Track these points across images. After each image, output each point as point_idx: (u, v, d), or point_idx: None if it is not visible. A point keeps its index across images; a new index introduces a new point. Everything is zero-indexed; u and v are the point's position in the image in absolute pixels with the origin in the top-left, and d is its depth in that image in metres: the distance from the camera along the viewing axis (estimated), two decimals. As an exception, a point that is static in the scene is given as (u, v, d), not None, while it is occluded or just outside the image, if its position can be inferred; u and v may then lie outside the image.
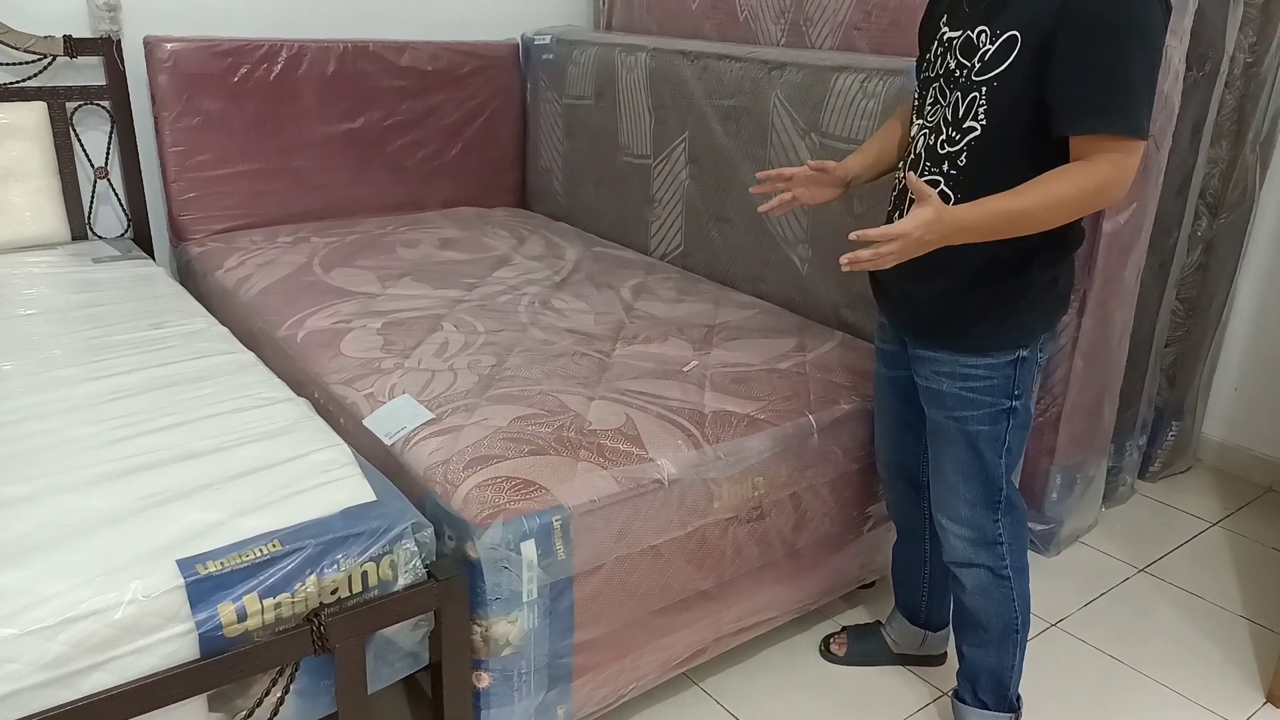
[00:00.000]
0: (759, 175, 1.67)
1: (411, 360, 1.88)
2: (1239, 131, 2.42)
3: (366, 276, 2.36)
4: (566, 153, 3.09)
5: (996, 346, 1.46)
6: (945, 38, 1.44)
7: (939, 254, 1.37)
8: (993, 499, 1.55)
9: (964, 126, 1.39)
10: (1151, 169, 2.06)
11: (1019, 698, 1.69)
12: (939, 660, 1.92)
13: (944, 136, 1.42)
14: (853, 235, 1.33)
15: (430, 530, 1.36)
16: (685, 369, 1.90)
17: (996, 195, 1.31)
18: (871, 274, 1.63)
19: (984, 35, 1.36)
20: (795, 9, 2.54)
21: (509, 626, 1.45)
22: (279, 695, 1.26)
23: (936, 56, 1.46)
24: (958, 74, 1.40)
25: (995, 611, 1.62)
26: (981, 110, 1.36)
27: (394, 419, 1.67)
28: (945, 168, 1.42)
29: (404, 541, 1.32)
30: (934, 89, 1.45)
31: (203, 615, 1.18)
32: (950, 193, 1.42)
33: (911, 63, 2.01)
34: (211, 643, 1.18)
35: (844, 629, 1.98)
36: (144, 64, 2.56)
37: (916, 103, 1.52)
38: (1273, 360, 2.67)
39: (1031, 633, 2.03)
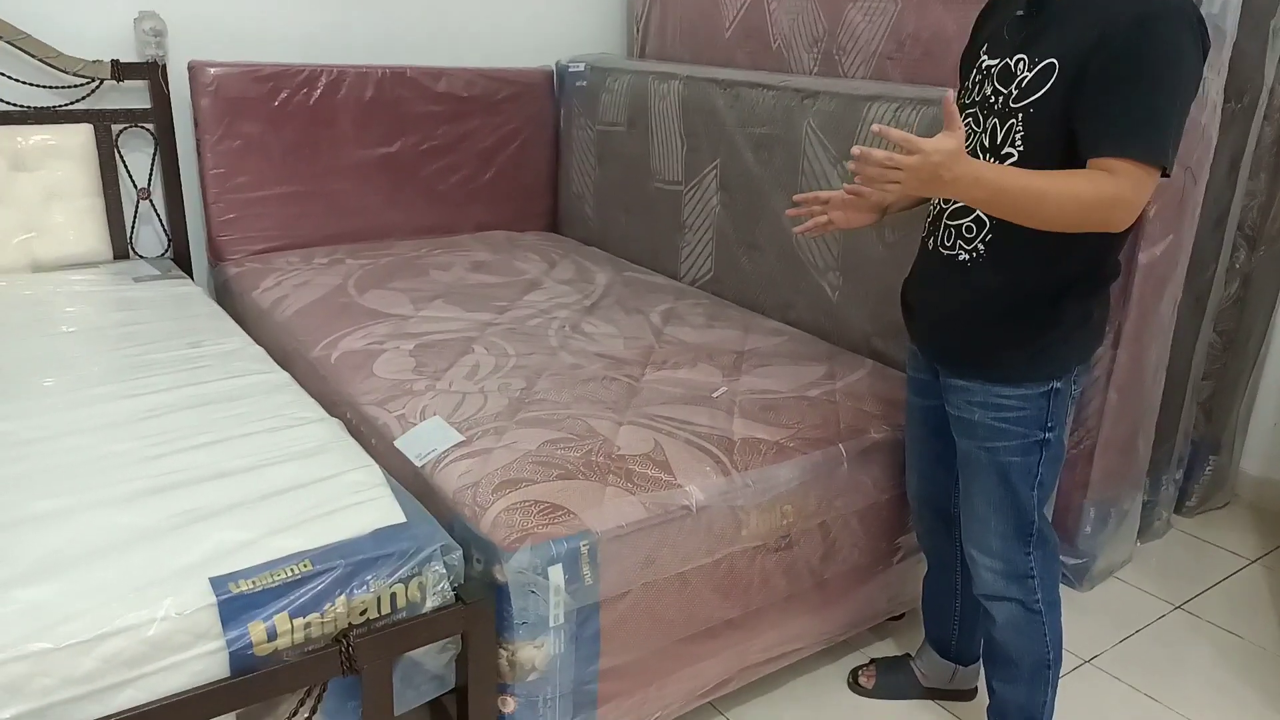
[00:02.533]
0: (795, 198, 1.68)
1: (443, 382, 1.90)
2: (1278, 165, 2.39)
3: (400, 299, 2.39)
4: (598, 179, 3.11)
5: (1030, 377, 1.45)
6: (984, 65, 1.45)
7: (972, 282, 1.36)
8: (1024, 532, 1.53)
9: (1001, 153, 1.39)
10: (1188, 201, 2.04)
11: None
12: (969, 695, 1.89)
13: (985, 102, 1.43)
14: (875, 129, 1.30)
15: (459, 553, 1.37)
16: (714, 395, 1.90)
17: (1018, 169, 1.31)
18: (904, 300, 1.63)
19: (1022, 63, 1.36)
20: (828, 38, 2.55)
21: (535, 651, 1.44)
22: (306, 715, 1.26)
23: (975, 84, 1.47)
24: (994, 101, 1.40)
25: (1026, 647, 1.60)
26: (1018, 136, 1.36)
27: (425, 441, 1.68)
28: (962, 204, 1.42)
29: (433, 564, 1.33)
30: (971, 116, 1.45)
31: (234, 633, 1.19)
32: (986, 219, 1.42)
33: (944, 91, 2.02)
34: (241, 661, 1.19)
35: (872, 661, 1.96)
36: (188, 88, 2.62)
37: None
38: (1313, 396, 2.62)
39: (1064, 669, 2.00)
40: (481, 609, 1.35)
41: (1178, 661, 2.06)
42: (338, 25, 2.86)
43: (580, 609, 1.47)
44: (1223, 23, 1.92)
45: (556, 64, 3.20)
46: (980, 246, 1.44)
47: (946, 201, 1.50)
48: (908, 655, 1.94)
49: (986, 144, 1.41)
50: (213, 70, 2.60)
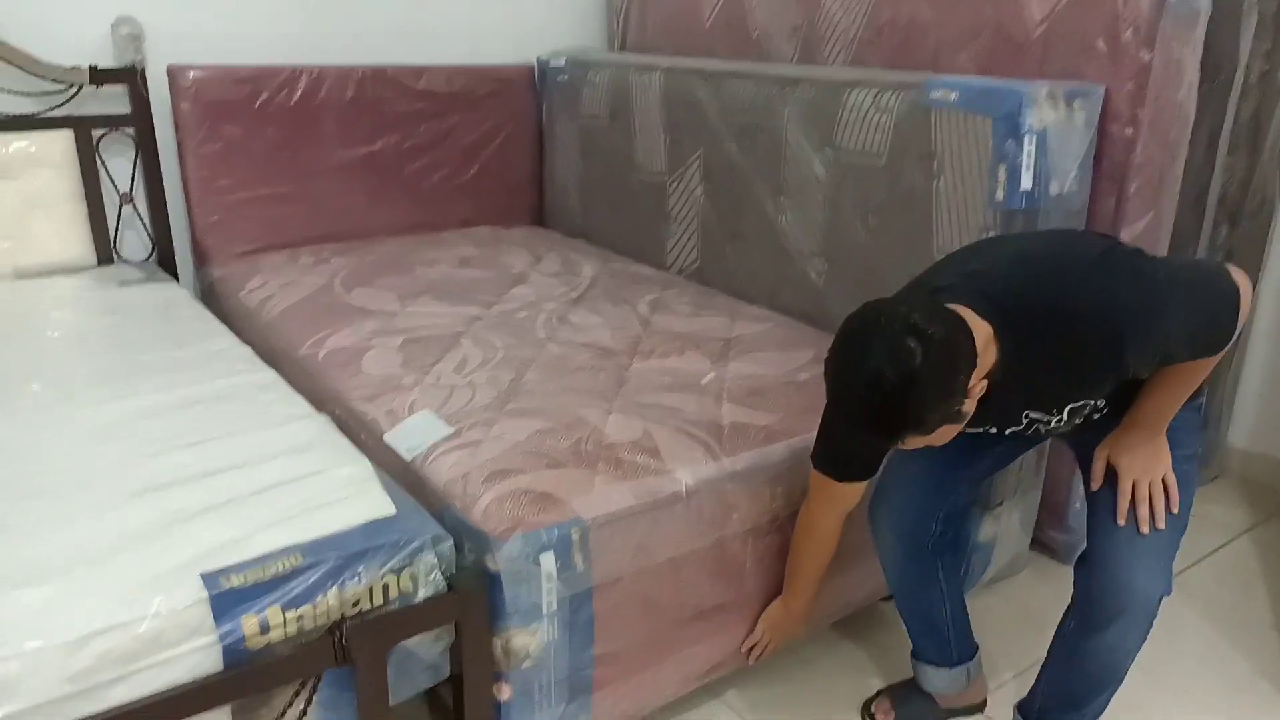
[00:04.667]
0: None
1: (431, 376, 1.90)
2: (1256, 140, 2.41)
3: (386, 295, 2.39)
4: (582, 172, 3.11)
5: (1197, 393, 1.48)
6: (969, 433, 1.38)
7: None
8: (1176, 546, 1.46)
9: (1084, 415, 1.43)
10: (1167, 178, 2.06)
11: None
12: (981, 707, 1.83)
13: (1065, 421, 1.43)
14: (1121, 522, 1.44)
15: (450, 543, 1.37)
16: (702, 382, 1.91)
17: (1155, 397, 1.41)
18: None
19: (1037, 413, 1.40)
20: (807, 27, 2.56)
21: (529, 638, 1.45)
22: (302, 707, 1.27)
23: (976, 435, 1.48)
24: (1040, 432, 1.46)
25: (1128, 658, 1.52)
26: (1101, 402, 1.41)
27: (414, 434, 1.68)
28: (1091, 417, 1.45)
29: (424, 554, 1.33)
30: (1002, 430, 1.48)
31: (226, 628, 1.19)
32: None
33: (923, 76, 2.03)
34: (234, 655, 1.20)
35: (881, 693, 1.85)
36: (168, 92, 2.61)
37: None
38: (1297, 369, 2.65)
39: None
40: (474, 597, 1.36)
41: (1169, 633, 2.07)
42: (317, 25, 2.85)
43: (573, 596, 1.48)
44: (1197, 2, 1.93)
45: (537, 59, 3.20)
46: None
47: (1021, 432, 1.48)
48: (911, 681, 1.84)
49: (1057, 423, 1.43)
50: (192, 73, 2.59)
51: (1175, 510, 1.43)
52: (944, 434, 1.25)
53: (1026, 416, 1.41)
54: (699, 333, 2.20)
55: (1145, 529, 1.42)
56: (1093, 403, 1.40)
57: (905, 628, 1.79)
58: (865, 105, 2.12)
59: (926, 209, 2.02)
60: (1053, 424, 1.42)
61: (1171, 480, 1.42)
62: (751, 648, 1.76)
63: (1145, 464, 1.43)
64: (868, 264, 2.19)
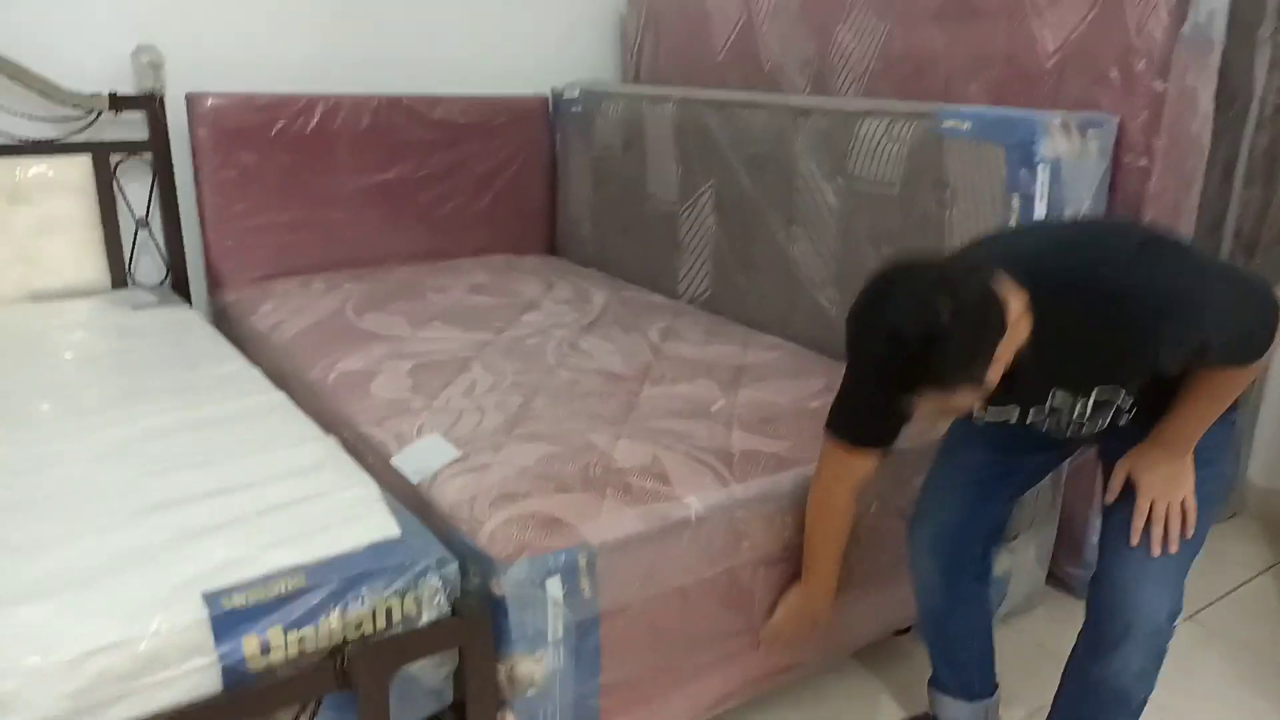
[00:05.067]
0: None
1: (439, 400, 1.89)
2: (1273, 172, 2.39)
3: (397, 321, 2.39)
4: (595, 202, 3.12)
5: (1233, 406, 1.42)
6: (993, 411, 1.41)
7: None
8: (1187, 567, 1.42)
9: (1112, 412, 1.39)
10: (1183, 209, 2.05)
11: None
12: None
13: (1100, 420, 1.40)
14: (1134, 541, 1.40)
15: (455, 566, 1.35)
16: (713, 409, 1.89)
17: (1181, 415, 1.38)
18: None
19: (1062, 396, 1.36)
20: (819, 59, 2.57)
21: (534, 665, 1.42)
22: (301, 732, 1.24)
23: (997, 419, 1.45)
24: (1063, 420, 1.41)
25: (1145, 691, 1.48)
26: (1128, 401, 1.37)
27: (421, 457, 1.67)
28: (1116, 423, 1.41)
29: (428, 578, 1.32)
30: (1030, 419, 1.44)
31: (226, 648, 1.17)
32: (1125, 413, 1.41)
33: (936, 106, 2.04)
34: (234, 676, 1.18)
35: None
36: (185, 118, 2.64)
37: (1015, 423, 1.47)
38: (1316, 404, 2.61)
39: (1073, 682, 1.97)
40: (478, 622, 1.34)
41: (1188, 673, 2.02)
42: (334, 54, 2.89)
43: (579, 622, 1.45)
44: (1210, 32, 1.94)
45: (551, 90, 3.23)
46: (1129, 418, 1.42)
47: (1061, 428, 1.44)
48: (928, 714, 1.81)
49: (1079, 416, 1.39)
50: (210, 101, 2.62)
51: (1190, 536, 1.39)
52: (962, 400, 1.19)
53: (1053, 395, 1.35)
54: (710, 360, 2.19)
55: (1157, 550, 1.38)
56: (1118, 400, 1.35)
57: (930, 655, 1.75)
58: (878, 135, 2.12)
59: (940, 237, 2.01)
60: (1077, 411, 1.36)
61: (1191, 504, 1.39)
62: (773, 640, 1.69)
63: (1165, 484, 1.39)
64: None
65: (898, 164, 2.08)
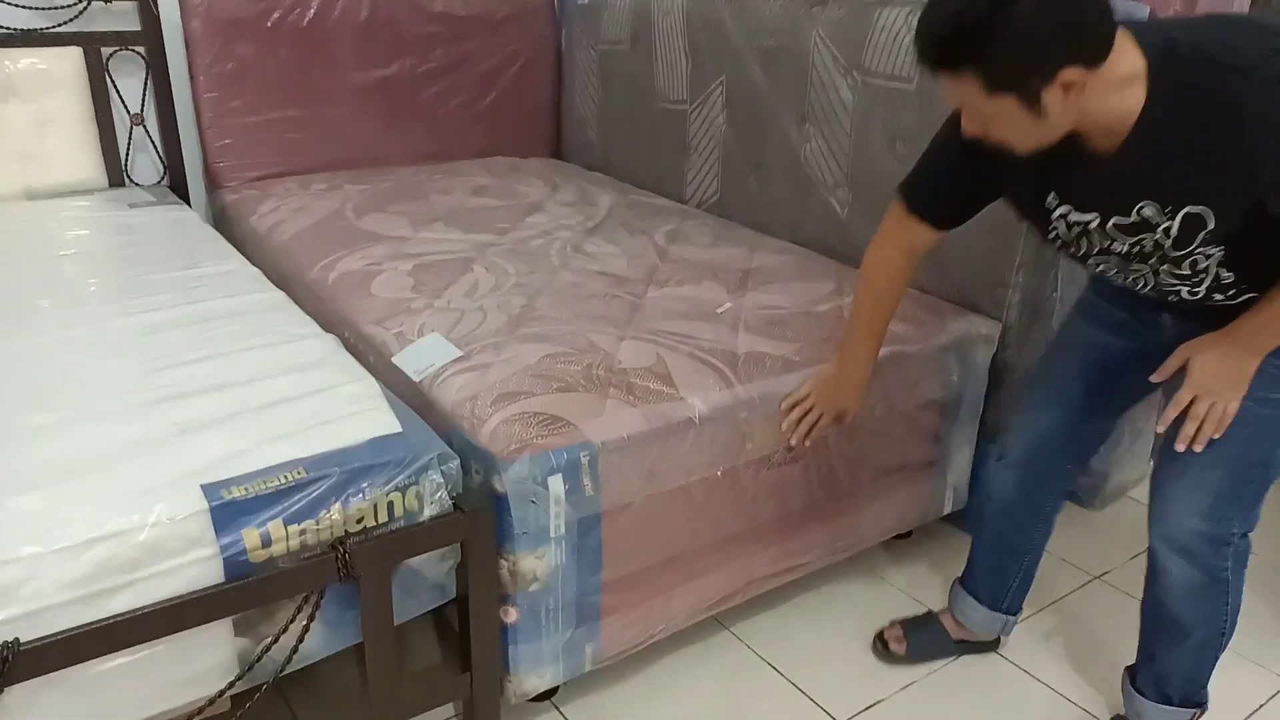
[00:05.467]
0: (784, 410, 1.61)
1: (441, 301, 1.86)
2: None
3: (399, 221, 2.34)
4: (602, 101, 3.03)
5: None
6: (1073, 220, 1.26)
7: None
8: (1253, 496, 1.34)
9: (1196, 277, 1.24)
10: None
11: (1207, 692, 1.53)
12: (994, 645, 1.79)
13: (1188, 289, 1.27)
14: (1160, 430, 1.34)
15: (456, 462, 1.35)
16: (719, 310, 1.86)
17: (1265, 305, 1.22)
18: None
19: (1150, 209, 1.18)
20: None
21: (536, 561, 1.43)
22: (304, 623, 1.25)
23: (1077, 238, 1.29)
24: (1146, 251, 1.23)
25: (1204, 616, 1.42)
26: (1214, 265, 1.21)
27: (422, 356, 1.65)
28: (1220, 296, 1.27)
29: (430, 473, 1.31)
30: (1112, 265, 1.30)
31: (227, 540, 1.17)
32: (1232, 285, 1.25)
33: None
34: (236, 568, 1.18)
35: (895, 623, 1.80)
36: (178, 9, 2.55)
37: (1096, 271, 1.36)
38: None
39: (1074, 584, 1.99)
40: (480, 517, 1.33)
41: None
42: (330, -58, 2.77)
43: (581, 520, 1.45)
44: None
45: (558, -18, 3.10)
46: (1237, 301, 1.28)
47: (1162, 295, 1.31)
48: (931, 612, 1.82)
49: (1179, 278, 1.25)
50: (203, -11, 2.52)
51: (1218, 434, 1.29)
52: (1004, 116, 1.09)
53: (1140, 212, 1.19)
54: (717, 263, 2.15)
55: (1181, 446, 1.30)
56: (1210, 228, 1.16)
57: (971, 556, 1.73)
58: (897, 25, 2.03)
59: (957, 135, 1.94)
60: (1159, 234, 1.19)
61: (1233, 410, 1.27)
62: (793, 407, 1.60)
63: (1216, 379, 1.27)
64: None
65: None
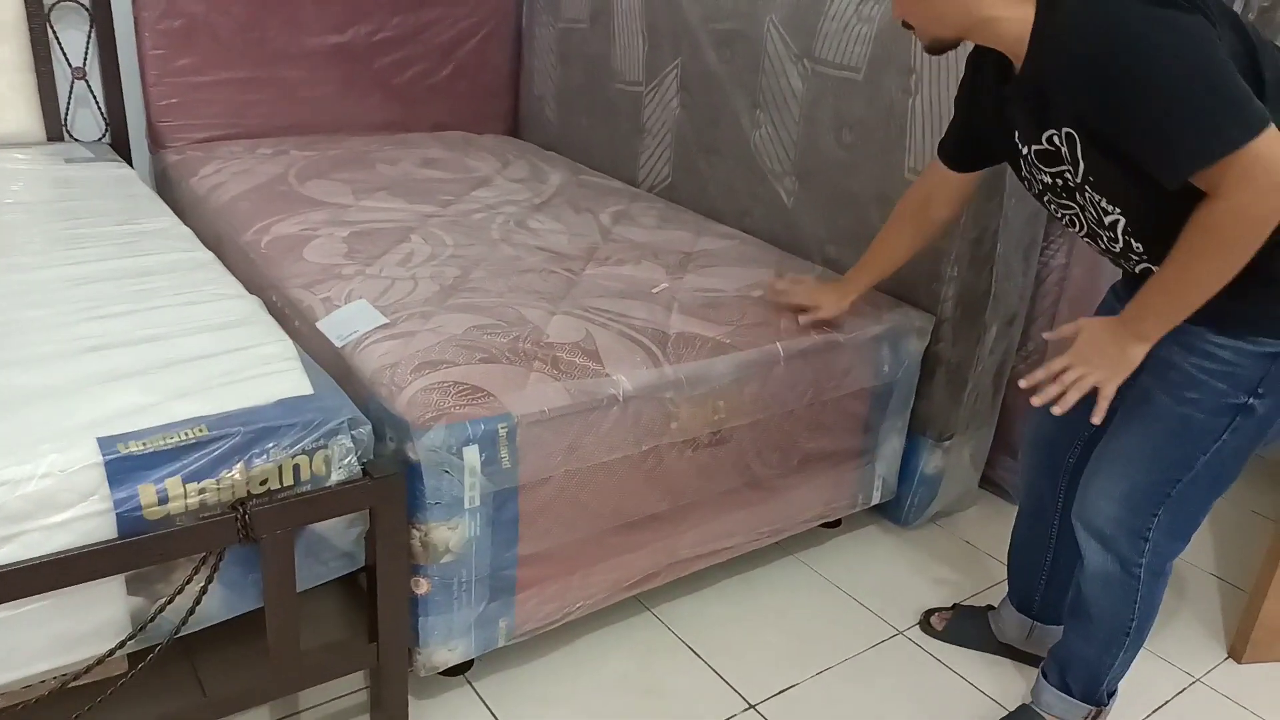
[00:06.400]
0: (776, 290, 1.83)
1: (374, 268, 1.84)
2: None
3: (341, 189, 2.31)
4: (560, 80, 3.01)
5: (1257, 331, 1.23)
6: (1023, 154, 1.31)
7: None
8: (1161, 492, 1.34)
9: (1108, 223, 1.26)
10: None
11: (1113, 694, 1.55)
12: (1039, 661, 1.67)
13: (1109, 238, 1.28)
14: (1023, 383, 1.34)
15: (368, 428, 1.32)
16: (654, 290, 1.85)
17: (1150, 285, 1.22)
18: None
19: (1054, 138, 1.22)
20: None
21: (449, 533, 1.41)
22: (202, 584, 1.23)
23: (1028, 176, 1.34)
24: (1070, 186, 1.26)
25: (1110, 607, 1.44)
26: (1105, 203, 1.23)
27: (347, 323, 1.63)
28: (1136, 258, 1.28)
29: (339, 437, 1.29)
30: (1055, 205, 1.33)
31: (121, 494, 1.14)
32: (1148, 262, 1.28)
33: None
34: (130, 524, 1.15)
35: (954, 606, 1.85)
36: (125, -39, 2.49)
37: (1057, 218, 1.38)
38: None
39: (1002, 577, 2.00)
40: (390, 485, 1.32)
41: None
42: (287, -98, 2.72)
43: (498, 492, 1.44)
44: None
45: (520, -44, 3.07)
46: None
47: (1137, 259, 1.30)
48: (990, 606, 1.82)
49: (1096, 220, 1.28)
50: (151, -58, 2.47)
51: (1096, 420, 1.28)
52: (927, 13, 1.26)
53: (1047, 139, 1.23)
54: (660, 244, 2.14)
55: (1037, 402, 1.29)
56: (1095, 193, 1.22)
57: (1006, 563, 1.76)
58: (847, 14, 2.03)
59: (902, 125, 1.95)
60: (1068, 166, 1.22)
61: (1108, 394, 1.26)
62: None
63: (1094, 352, 1.26)
64: (839, 183, 2.12)
65: (865, 46, 2.00)
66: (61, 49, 2.51)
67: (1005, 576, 1.76)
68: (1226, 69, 1.07)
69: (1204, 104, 1.07)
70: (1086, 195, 1.25)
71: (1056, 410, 1.29)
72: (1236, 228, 1.11)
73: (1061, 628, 1.58)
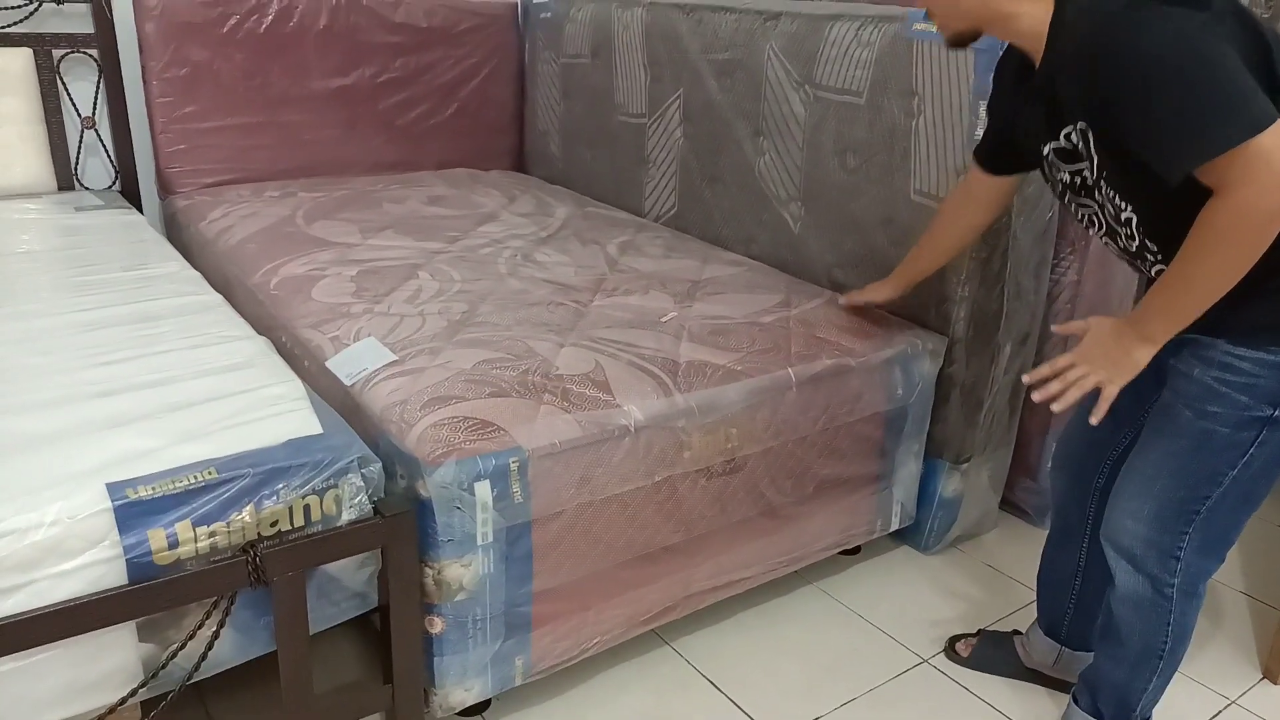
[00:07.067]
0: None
1: (382, 306, 1.83)
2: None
3: (348, 228, 2.32)
4: (563, 114, 3.03)
5: (1277, 341, 1.21)
6: (1045, 154, 1.31)
7: None
8: (1190, 509, 1.30)
9: (1124, 219, 1.25)
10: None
11: (1146, 719, 1.51)
12: (1069, 687, 1.65)
13: (1126, 235, 1.27)
14: (1026, 379, 1.34)
15: (378, 466, 1.31)
16: (663, 319, 1.84)
17: (1155, 284, 1.22)
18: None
19: (1070, 134, 1.23)
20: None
21: (462, 570, 1.40)
22: (214, 629, 1.21)
23: (1054, 175, 1.34)
24: (1079, 180, 1.27)
25: (1141, 628, 1.40)
26: (1117, 196, 1.23)
27: (356, 360, 1.62)
28: (1151, 258, 1.27)
29: (349, 476, 1.28)
30: (1075, 204, 1.33)
31: (131, 540, 1.13)
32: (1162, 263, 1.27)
33: (905, 10, 1.95)
34: (140, 569, 1.14)
35: (979, 631, 1.80)
36: (131, 12, 2.52)
37: (1079, 220, 1.38)
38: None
39: (1026, 600, 1.97)
40: (401, 523, 1.30)
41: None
42: (290, -50, 2.76)
43: (510, 528, 1.42)
44: None
45: (521, -5, 3.10)
46: None
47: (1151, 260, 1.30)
48: (1016, 631, 1.78)
49: (1115, 218, 1.27)
50: (157, -8, 2.50)
51: (1094, 421, 1.26)
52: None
53: (1065, 136, 1.24)
54: (667, 273, 2.13)
55: (1037, 398, 1.28)
56: (1112, 191, 1.22)
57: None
58: (847, 40, 2.03)
59: (905, 147, 1.94)
60: (1085, 164, 1.24)
61: (1109, 395, 1.24)
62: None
63: (1099, 352, 1.25)
64: (844, 207, 2.12)
65: (865, 70, 2.00)
66: (71, 99, 2.55)
67: (1030, 600, 1.72)
68: (1230, 65, 1.07)
69: (1204, 100, 1.07)
70: (1103, 191, 1.25)
71: (1056, 408, 1.28)
72: (1239, 225, 1.09)
73: (1090, 654, 1.54)
